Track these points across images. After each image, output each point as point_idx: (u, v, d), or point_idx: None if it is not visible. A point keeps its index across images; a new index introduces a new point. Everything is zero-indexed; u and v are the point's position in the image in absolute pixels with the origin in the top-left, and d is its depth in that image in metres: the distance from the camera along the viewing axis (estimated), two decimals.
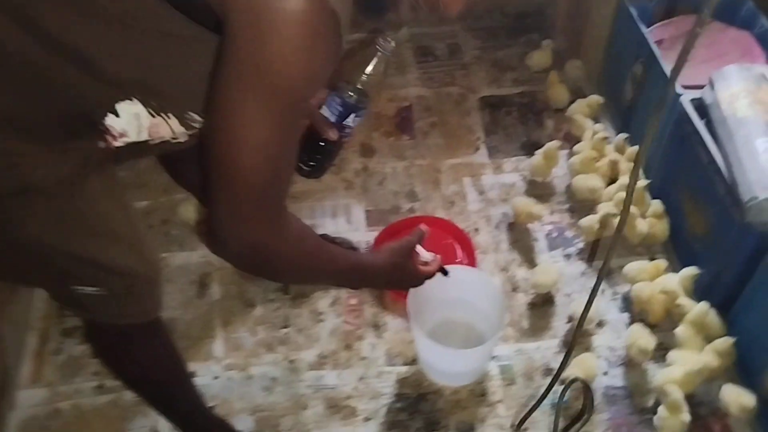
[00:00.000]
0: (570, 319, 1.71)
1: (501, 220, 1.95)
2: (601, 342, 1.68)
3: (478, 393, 1.62)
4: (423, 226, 1.29)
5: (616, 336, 1.69)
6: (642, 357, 1.57)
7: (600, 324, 1.71)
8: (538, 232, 1.92)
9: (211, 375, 1.64)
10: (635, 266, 1.72)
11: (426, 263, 1.28)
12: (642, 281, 1.68)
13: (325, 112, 1.13)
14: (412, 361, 1.67)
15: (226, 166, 0.81)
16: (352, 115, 1.13)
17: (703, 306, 1.55)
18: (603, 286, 1.71)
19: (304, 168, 1.19)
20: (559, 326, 1.72)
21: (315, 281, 1.49)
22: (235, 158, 0.80)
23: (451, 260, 1.80)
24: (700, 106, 1.68)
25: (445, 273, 1.35)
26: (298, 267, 1.00)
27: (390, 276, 1.20)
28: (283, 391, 1.62)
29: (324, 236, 1.85)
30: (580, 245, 1.88)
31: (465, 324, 1.68)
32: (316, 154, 1.18)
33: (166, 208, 1.97)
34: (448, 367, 1.61)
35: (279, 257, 0.93)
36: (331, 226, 1.95)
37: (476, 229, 1.93)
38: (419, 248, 1.26)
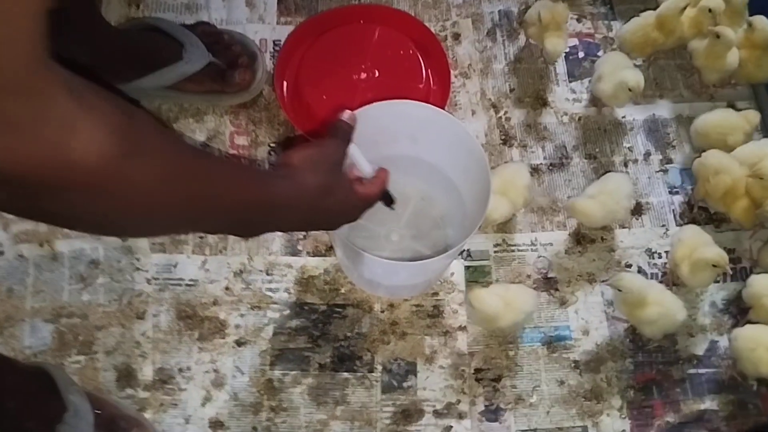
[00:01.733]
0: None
1: (499, 23, 1.20)
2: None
3: (427, 311, 0.99)
4: (347, 113, 0.78)
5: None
6: None
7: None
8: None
9: None
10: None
11: (362, 182, 0.78)
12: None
13: None
14: (327, 251, 1.02)
15: None
16: None
17: None
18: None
19: None
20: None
21: (180, 229, 0.78)
22: None
23: (412, 86, 1.08)
24: None
25: (390, 202, 0.84)
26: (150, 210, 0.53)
27: (311, 211, 0.70)
28: (106, 285, 0.98)
29: (204, 27, 1.11)
30: None
31: (419, 201, 1.00)
32: None
33: None
34: (384, 278, 0.95)
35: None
36: (220, 12, 1.19)
37: (456, 35, 1.18)
38: (354, 153, 0.78)
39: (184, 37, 1.06)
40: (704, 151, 1.00)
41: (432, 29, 1.14)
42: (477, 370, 0.96)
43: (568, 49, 1.16)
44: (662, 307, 0.91)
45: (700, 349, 0.97)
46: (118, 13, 1.16)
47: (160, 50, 1.06)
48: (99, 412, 0.85)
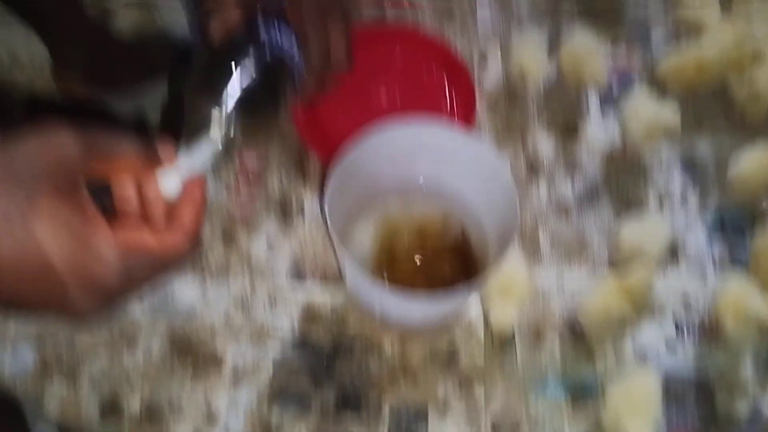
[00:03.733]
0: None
1: None
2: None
3: (442, 353, 0.91)
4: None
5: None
6: None
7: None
8: (590, 85, 1.11)
9: None
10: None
11: (127, 216, 0.47)
12: None
13: None
14: (336, 280, 0.94)
15: None
16: None
17: None
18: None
19: None
20: (602, 241, 0.98)
21: None
22: None
23: (436, 110, 1.02)
24: None
25: (196, 245, 0.48)
26: None
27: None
28: None
29: None
30: None
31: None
32: None
33: None
34: (399, 311, 0.88)
35: None
36: None
37: (484, 60, 1.12)
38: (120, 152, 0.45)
39: (195, 51, 1.01)
40: (746, 192, 0.92)
41: (458, 52, 1.07)
42: (493, 422, 0.87)
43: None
44: None
45: (741, 409, 0.88)
46: (129, 25, 1.11)
47: (167, 61, 1.01)
48: None
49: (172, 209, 0.47)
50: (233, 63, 0.57)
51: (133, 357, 0.88)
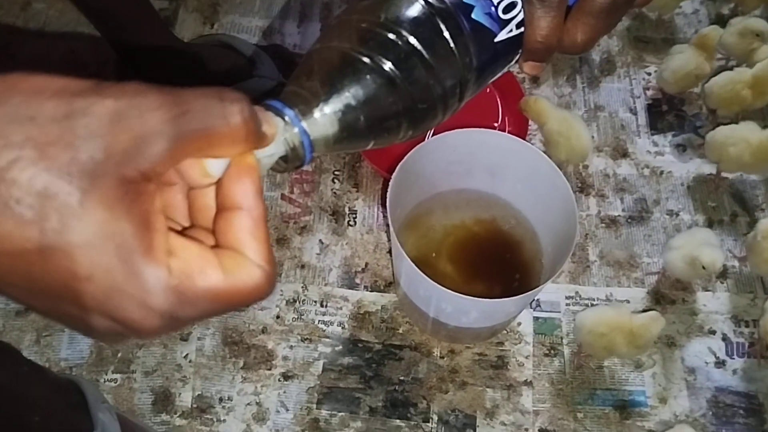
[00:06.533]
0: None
1: (579, 69, 1.15)
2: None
3: (491, 361, 0.91)
4: None
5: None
6: None
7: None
8: (637, 97, 1.13)
9: None
10: None
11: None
12: None
13: None
14: (386, 287, 0.95)
15: None
16: None
17: None
18: None
19: None
20: (655, 263, 0.98)
21: None
22: None
23: (488, 125, 1.04)
24: None
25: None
26: None
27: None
28: None
29: (276, 49, 1.09)
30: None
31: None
32: None
33: None
34: (450, 317, 0.88)
35: None
36: (294, 38, 1.17)
37: (534, 78, 1.14)
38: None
39: (256, 55, 1.04)
40: None
41: (511, 71, 1.09)
42: (541, 431, 0.87)
43: (650, 102, 1.11)
44: None
45: None
46: (192, 31, 1.15)
47: (231, 67, 1.03)
48: None
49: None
50: None
51: (186, 351, 0.90)
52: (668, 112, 1.11)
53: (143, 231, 0.28)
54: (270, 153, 0.34)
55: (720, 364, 0.91)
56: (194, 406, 0.87)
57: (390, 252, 0.97)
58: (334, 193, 1.02)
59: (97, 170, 0.27)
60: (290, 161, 0.35)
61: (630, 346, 0.85)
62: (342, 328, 0.92)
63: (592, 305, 0.94)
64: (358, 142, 0.38)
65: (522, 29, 0.41)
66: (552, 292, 0.95)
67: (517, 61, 0.44)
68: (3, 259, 0.27)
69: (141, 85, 0.29)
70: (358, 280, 0.96)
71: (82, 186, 0.27)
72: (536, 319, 0.94)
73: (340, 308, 0.93)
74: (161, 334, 0.34)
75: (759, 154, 0.95)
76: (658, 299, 0.95)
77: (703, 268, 0.87)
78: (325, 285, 0.95)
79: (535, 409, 0.88)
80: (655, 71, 1.13)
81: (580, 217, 1.00)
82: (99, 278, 0.27)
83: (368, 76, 0.36)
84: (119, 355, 0.89)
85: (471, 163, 0.88)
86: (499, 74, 0.44)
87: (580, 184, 1.04)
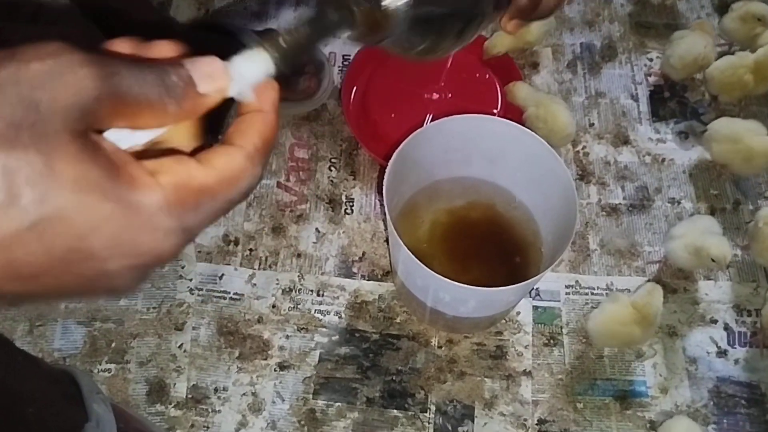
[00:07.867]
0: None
1: (580, 55, 1.13)
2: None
3: (489, 351, 0.90)
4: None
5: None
6: None
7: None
8: (639, 83, 1.11)
9: None
10: None
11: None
12: None
13: None
14: (383, 276, 0.94)
15: None
16: None
17: None
18: None
19: None
20: (657, 252, 0.97)
21: None
22: None
23: (487, 111, 1.02)
24: None
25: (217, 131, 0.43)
26: None
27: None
28: (146, 291, 0.91)
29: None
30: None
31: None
32: None
33: None
34: (449, 307, 0.87)
35: None
36: (289, 22, 1.15)
37: (534, 64, 1.12)
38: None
39: (250, 40, 1.02)
40: None
41: (511, 57, 1.08)
42: (540, 421, 0.86)
43: (652, 88, 1.09)
44: None
45: None
46: (186, 16, 1.13)
47: (223, 51, 1.02)
48: (122, 426, 0.78)
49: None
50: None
51: (181, 341, 0.88)
52: (670, 99, 1.09)
53: (117, 169, 0.29)
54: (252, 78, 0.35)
55: (722, 353, 0.90)
56: (189, 396, 0.86)
57: (387, 241, 0.95)
58: (331, 181, 1.00)
59: (48, 131, 0.26)
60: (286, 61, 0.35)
61: (644, 328, 0.85)
62: (339, 317, 0.91)
63: (593, 294, 0.93)
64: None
65: None
66: (552, 281, 0.94)
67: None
68: (3, 258, 0.27)
69: (61, 43, 0.29)
70: (355, 269, 0.94)
71: (40, 150, 0.26)
72: (536, 308, 0.93)
73: (337, 297, 0.92)
74: (181, 250, 0.32)
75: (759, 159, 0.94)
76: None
77: (713, 260, 0.85)
78: (322, 274, 0.94)
79: (534, 399, 0.87)
80: (658, 57, 1.11)
81: (580, 205, 0.99)
82: (101, 226, 0.28)
83: None
84: (113, 345, 0.88)
85: (470, 150, 0.87)
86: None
87: (580, 172, 1.02)
